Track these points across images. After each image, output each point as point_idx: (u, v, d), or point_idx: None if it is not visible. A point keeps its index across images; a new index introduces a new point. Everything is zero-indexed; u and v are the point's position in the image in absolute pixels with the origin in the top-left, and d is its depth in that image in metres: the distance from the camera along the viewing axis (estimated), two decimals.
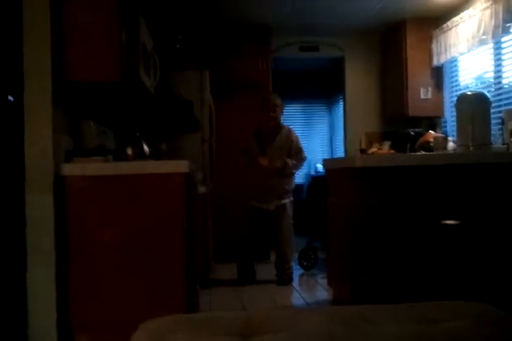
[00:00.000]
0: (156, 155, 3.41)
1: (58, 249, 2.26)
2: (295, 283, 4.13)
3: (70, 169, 2.36)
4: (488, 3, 4.04)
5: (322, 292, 3.78)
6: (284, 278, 4.07)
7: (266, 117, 4.07)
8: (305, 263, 4.54)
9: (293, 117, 7.61)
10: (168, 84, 4.04)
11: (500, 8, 3.86)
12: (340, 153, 6.73)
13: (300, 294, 3.76)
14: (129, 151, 2.99)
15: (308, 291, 3.91)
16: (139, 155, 3.08)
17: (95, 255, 2.30)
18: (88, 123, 2.85)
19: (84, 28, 2.52)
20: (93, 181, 2.35)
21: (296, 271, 4.38)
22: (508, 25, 3.80)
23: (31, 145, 2.30)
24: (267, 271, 4.28)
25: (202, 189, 3.67)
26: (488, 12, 4.05)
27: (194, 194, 2.99)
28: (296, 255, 4.53)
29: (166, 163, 2.54)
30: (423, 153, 3.47)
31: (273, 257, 4.34)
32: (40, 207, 2.26)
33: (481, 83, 4.56)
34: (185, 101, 4.13)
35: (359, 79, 5.87)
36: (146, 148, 3.20)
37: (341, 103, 6.44)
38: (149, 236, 2.32)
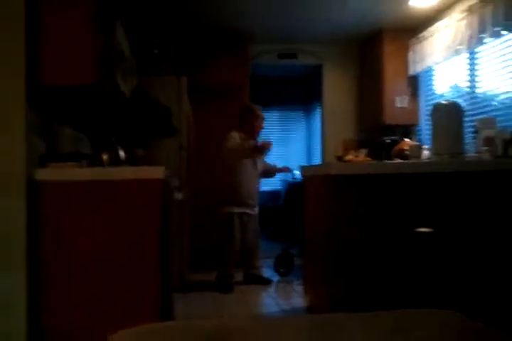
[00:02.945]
0: (131, 161, 3.38)
1: (30, 255, 2.21)
2: (271, 289, 4.12)
3: (43, 174, 2.32)
4: (464, 14, 4.12)
5: (298, 299, 3.77)
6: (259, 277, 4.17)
7: (256, 127, 4.23)
8: (281, 270, 4.54)
9: (271, 123, 7.62)
10: (146, 89, 4.01)
11: (476, 19, 3.94)
12: (317, 159, 6.77)
13: (276, 301, 3.75)
14: (105, 157, 2.95)
15: (284, 298, 3.91)
16: (115, 160, 3.05)
17: (69, 261, 2.26)
18: (63, 128, 2.80)
19: (59, 31, 2.49)
20: (67, 187, 2.31)
21: (273, 278, 4.38)
22: (482, 36, 3.88)
23: (4, 149, 2.26)
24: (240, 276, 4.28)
25: (178, 195, 3.64)
26: (463, 23, 4.13)
27: (170, 200, 2.96)
28: (272, 261, 4.55)
29: (142, 169, 2.51)
30: (398, 161, 3.51)
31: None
32: (12, 212, 2.21)
33: (456, 92, 4.64)
34: (162, 106, 4.10)
35: (336, 87, 5.92)
36: (121, 153, 3.16)
37: (319, 110, 6.49)
38: (124, 243, 2.28)
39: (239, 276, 4.26)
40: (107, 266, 2.28)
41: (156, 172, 2.41)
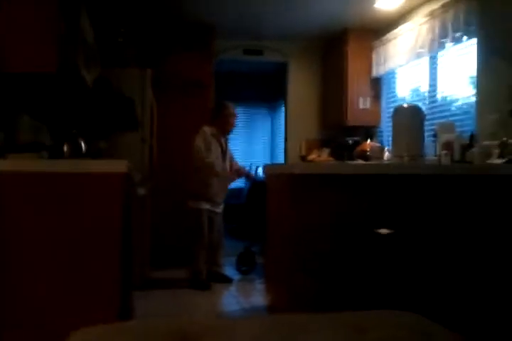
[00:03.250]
0: (93, 153, 3.31)
1: None
2: (232, 288, 4.13)
3: (1, 165, 2.24)
4: (426, 18, 4.22)
5: (259, 298, 3.78)
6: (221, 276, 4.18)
7: (228, 124, 4.27)
8: (243, 268, 4.54)
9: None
10: (109, 80, 3.93)
11: (437, 24, 4.04)
12: (280, 157, 6.81)
13: (237, 299, 3.75)
14: (66, 148, 2.88)
15: (245, 297, 3.91)
16: (76, 152, 2.98)
17: (25, 256, 2.20)
18: (23, 118, 2.72)
19: (20, 16, 2.41)
20: (26, 178, 2.23)
21: (234, 276, 4.39)
22: (443, 40, 3.98)
23: None
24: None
25: (141, 190, 3.59)
26: (425, 27, 4.24)
27: (132, 195, 2.92)
28: (234, 259, 4.55)
29: (104, 162, 2.46)
30: (360, 161, 3.57)
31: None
32: None
33: (417, 96, 4.75)
34: (126, 98, 4.03)
35: (301, 86, 5.97)
36: (83, 145, 3.09)
37: (283, 108, 6.53)
38: (83, 238, 2.23)
39: None
40: (65, 261, 2.22)
41: (119, 165, 2.36)
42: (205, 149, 4.06)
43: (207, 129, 4.16)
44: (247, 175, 4.67)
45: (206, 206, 4.09)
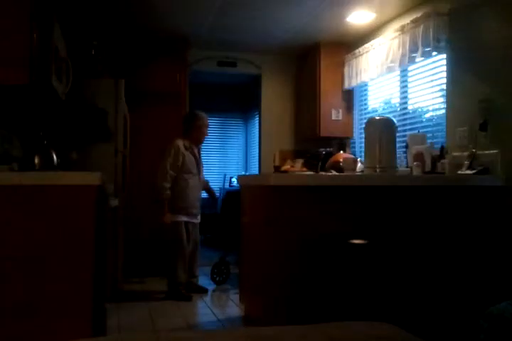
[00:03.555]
0: (65, 164, 3.26)
1: None
2: (207, 298, 4.10)
3: None
4: (397, 33, 4.31)
5: (234, 308, 3.77)
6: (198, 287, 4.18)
7: (202, 134, 4.27)
8: (217, 278, 4.51)
9: (209, 130, 7.61)
10: (82, 91, 3.90)
11: (408, 39, 4.14)
12: (254, 167, 6.83)
13: (212, 310, 3.72)
14: (37, 160, 2.84)
15: (220, 307, 3.89)
16: (47, 164, 2.93)
17: None
18: None
19: None
20: None
21: (209, 286, 4.36)
22: (413, 55, 4.08)
23: None
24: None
25: (113, 202, 3.55)
26: (396, 41, 4.33)
27: (105, 207, 2.89)
28: (209, 269, 4.53)
29: (77, 174, 2.42)
30: (333, 172, 3.61)
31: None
32: None
33: (389, 107, 4.84)
34: (98, 109, 4.00)
35: (274, 98, 6.02)
36: (54, 157, 3.05)
37: (257, 119, 6.56)
38: (55, 252, 2.19)
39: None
40: (35, 275, 2.18)
41: (92, 178, 2.33)
42: (172, 167, 4.02)
43: (180, 143, 4.12)
44: (212, 194, 4.68)
45: (183, 218, 4.07)
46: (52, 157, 3.02)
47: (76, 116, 3.91)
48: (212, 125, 7.69)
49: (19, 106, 3.16)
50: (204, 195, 4.55)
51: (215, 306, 3.88)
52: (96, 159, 3.86)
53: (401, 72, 4.52)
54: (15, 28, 2.41)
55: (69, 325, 2.14)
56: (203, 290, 4.22)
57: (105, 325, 2.71)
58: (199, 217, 4.26)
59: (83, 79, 3.91)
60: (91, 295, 2.20)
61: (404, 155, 3.77)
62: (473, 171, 3.03)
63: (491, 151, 3.12)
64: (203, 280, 4.42)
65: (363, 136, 3.36)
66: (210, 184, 4.84)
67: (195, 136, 4.23)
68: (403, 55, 4.21)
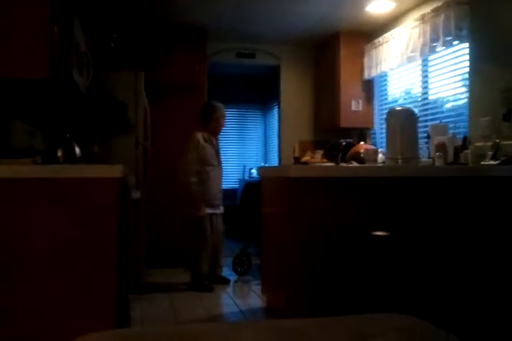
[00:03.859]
0: (87, 157, 3.30)
1: None
2: (229, 289, 4.13)
3: None
4: (417, 23, 4.25)
5: (256, 299, 3.78)
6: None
7: (219, 125, 4.27)
8: (239, 269, 4.54)
9: (228, 122, 7.60)
10: (102, 84, 3.93)
11: (428, 28, 4.07)
12: (274, 158, 6.83)
13: (234, 301, 3.75)
14: (60, 153, 2.87)
15: (241, 298, 3.90)
16: (70, 157, 2.97)
17: (20, 263, 2.18)
18: (16, 123, 2.71)
19: (13, 22, 2.41)
20: (22, 184, 2.22)
21: (230, 277, 4.39)
22: (434, 44, 4.01)
23: None
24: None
25: (135, 194, 3.59)
26: (416, 31, 4.27)
27: (127, 199, 2.92)
28: (230, 260, 4.56)
29: (100, 167, 2.45)
30: (354, 163, 3.59)
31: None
32: None
33: (409, 98, 4.78)
34: (118, 102, 4.03)
35: (294, 88, 5.99)
36: (77, 150, 3.09)
37: (276, 110, 6.54)
38: (79, 244, 2.23)
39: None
40: (60, 268, 2.21)
41: (115, 170, 2.35)
42: (195, 161, 4.03)
43: (199, 136, 4.10)
44: None
45: (207, 210, 4.09)
46: (75, 150, 3.05)
47: (97, 109, 3.94)
48: (231, 116, 7.71)
49: (41, 100, 3.20)
50: (225, 185, 4.55)
51: (237, 297, 3.91)
52: (117, 151, 3.89)
53: (422, 61, 4.46)
54: (36, 23, 2.43)
55: (94, 317, 2.18)
56: (226, 281, 4.25)
57: (129, 317, 2.75)
58: (222, 208, 4.26)
59: (103, 72, 3.94)
60: (115, 287, 2.23)
61: (426, 145, 3.72)
62: (497, 162, 2.98)
63: None
64: (225, 271, 4.45)
65: (384, 126, 3.33)
66: (230, 175, 4.84)
67: (213, 128, 4.23)
68: (424, 45, 4.15)
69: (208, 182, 4.09)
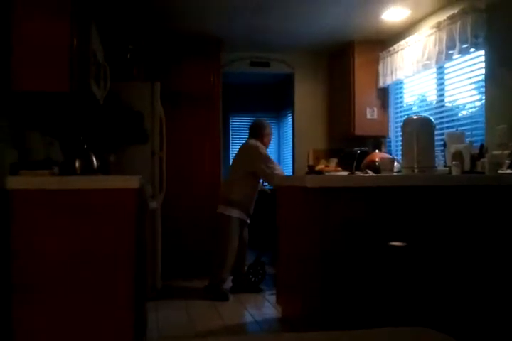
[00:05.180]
0: (103, 167, 3.32)
1: None
2: (244, 299, 4.12)
3: (15, 182, 2.26)
4: (433, 30, 4.23)
5: (270, 309, 3.77)
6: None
7: (269, 141, 4.57)
8: (253, 279, 4.52)
9: (242, 130, 7.64)
10: (118, 94, 3.96)
11: (444, 36, 4.05)
12: (287, 166, 6.81)
13: (249, 311, 3.74)
14: (77, 164, 2.90)
15: (256, 308, 3.89)
16: (88, 168, 3.00)
17: (39, 273, 2.21)
18: (34, 134, 2.75)
19: (33, 35, 2.44)
20: (40, 195, 2.26)
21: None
22: (450, 52, 3.99)
23: None
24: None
25: (152, 204, 3.61)
26: (432, 38, 4.25)
27: (145, 210, 2.93)
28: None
29: (117, 178, 2.48)
30: (369, 172, 3.57)
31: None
32: None
33: (425, 106, 4.76)
34: (134, 112, 4.07)
35: (307, 97, 5.99)
36: (94, 160, 3.11)
37: (290, 118, 6.54)
38: (97, 255, 2.25)
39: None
40: (80, 277, 2.24)
41: (132, 181, 2.38)
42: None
43: (261, 145, 4.34)
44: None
45: (238, 215, 4.19)
46: (93, 161, 3.07)
47: (113, 120, 3.98)
48: (245, 125, 7.72)
49: (59, 111, 3.24)
50: None
51: (252, 307, 3.89)
52: (133, 161, 3.92)
53: (437, 69, 4.44)
54: (57, 37, 2.46)
55: (112, 327, 2.19)
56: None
57: (146, 326, 2.76)
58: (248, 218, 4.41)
59: (119, 82, 3.98)
60: (133, 296, 2.24)
61: (442, 154, 3.69)
62: None
63: None
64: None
65: (399, 134, 3.32)
66: None
67: (265, 143, 4.47)
68: (440, 52, 4.13)
69: (254, 191, 4.30)
